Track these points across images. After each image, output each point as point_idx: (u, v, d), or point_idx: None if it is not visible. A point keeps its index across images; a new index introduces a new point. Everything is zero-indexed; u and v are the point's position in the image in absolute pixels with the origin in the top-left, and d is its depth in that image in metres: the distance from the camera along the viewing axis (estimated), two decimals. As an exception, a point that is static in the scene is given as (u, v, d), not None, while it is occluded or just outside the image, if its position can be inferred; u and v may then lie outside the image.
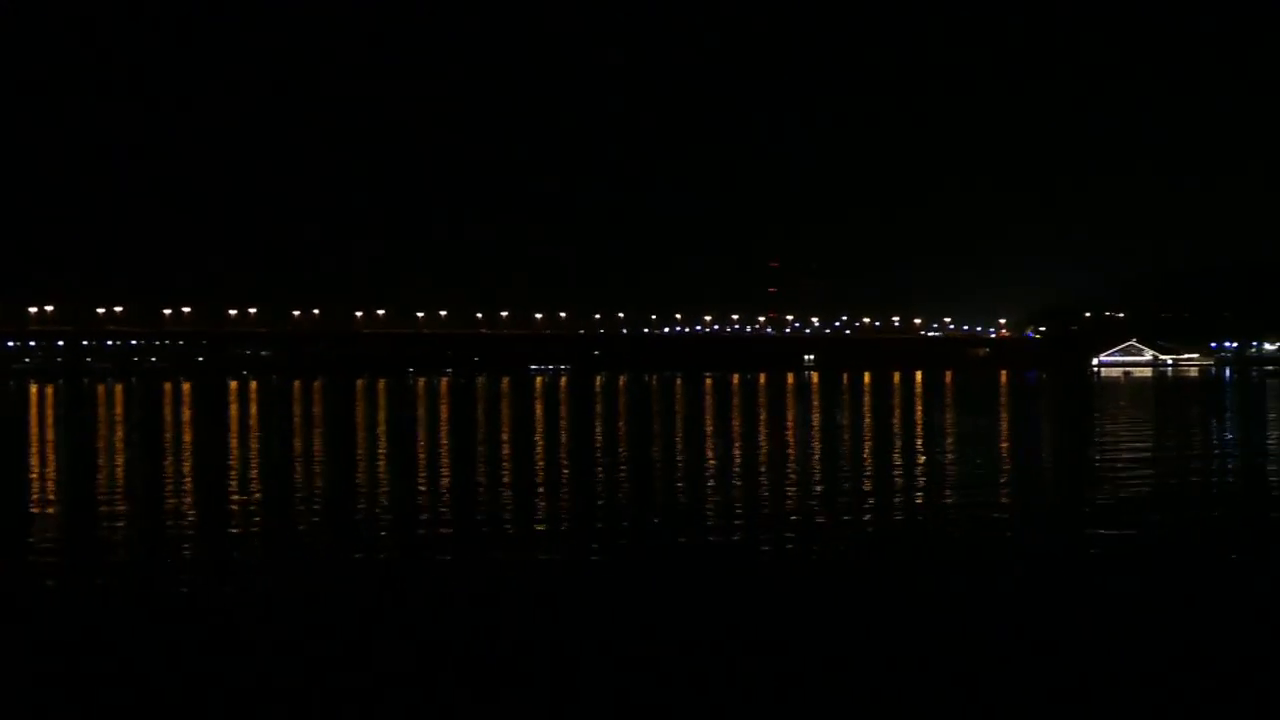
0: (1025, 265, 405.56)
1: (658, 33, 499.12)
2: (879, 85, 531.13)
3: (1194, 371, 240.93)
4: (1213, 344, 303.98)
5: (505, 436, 51.81)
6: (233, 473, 36.34)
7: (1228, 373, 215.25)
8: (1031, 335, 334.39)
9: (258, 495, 30.20)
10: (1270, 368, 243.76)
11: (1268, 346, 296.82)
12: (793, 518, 25.07)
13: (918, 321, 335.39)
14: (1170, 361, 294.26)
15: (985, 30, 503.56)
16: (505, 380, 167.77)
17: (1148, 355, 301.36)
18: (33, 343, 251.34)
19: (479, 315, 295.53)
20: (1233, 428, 57.38)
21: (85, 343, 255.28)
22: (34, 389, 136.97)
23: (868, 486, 31.04)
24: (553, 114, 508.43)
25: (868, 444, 45.86)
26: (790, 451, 42.08)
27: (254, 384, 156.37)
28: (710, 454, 41.64)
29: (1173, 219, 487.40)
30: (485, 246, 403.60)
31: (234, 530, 24.15)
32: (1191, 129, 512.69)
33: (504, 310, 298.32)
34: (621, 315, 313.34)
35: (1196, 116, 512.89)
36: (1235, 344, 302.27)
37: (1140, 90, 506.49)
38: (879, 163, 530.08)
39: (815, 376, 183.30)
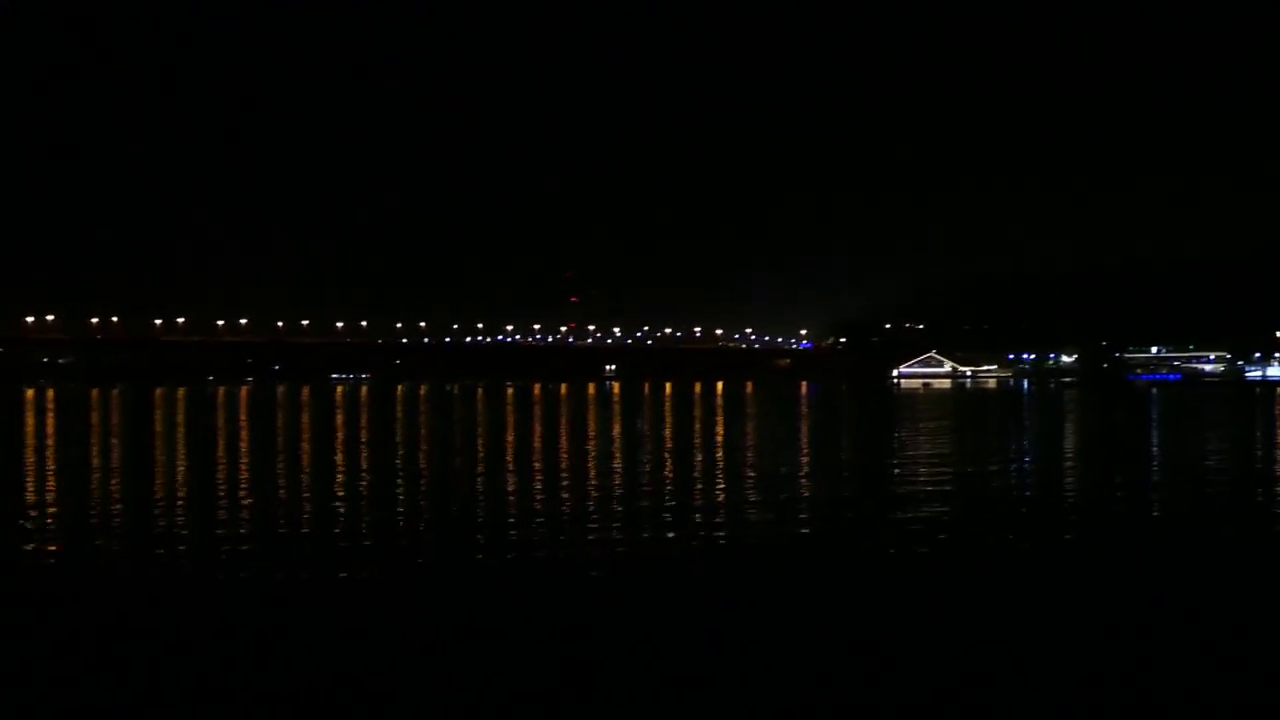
0: (828, 274, 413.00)
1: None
2: (647, 93, 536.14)
3: (992, 383, 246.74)
4: (1011, 355, 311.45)
5: (305, 446, 51.06)
6: (29, 485, 35.13)
7: (1025, 384, 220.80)
8: (807, 345, 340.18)
9: (52, 509, 29.23)
10: (1068, 379, 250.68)
11: (1065, 358, 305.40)
12: (589, 527, 25.13)
13: (719, 332, 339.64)
14: (969, 373, 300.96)
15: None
16: (306, 389, 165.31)
17: (947, 366, 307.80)
18: None
19: (280, 324, 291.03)
20: (1026, 438, 58.77)
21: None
22: None
23: (668, 498, 31.17)
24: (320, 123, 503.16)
25: (667, 452, 46.19)
26: (590, 460, 42.12)
27: (51, 392, 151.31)
28: (509, 463, 41.51)
29: (972, 231, 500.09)
30: (287, 255, 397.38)
31: (28, 547, 23.39)
32: (987, 142, 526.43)
33: (305, 319, 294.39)
34: (423, 325, 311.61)
35: (994, 128, 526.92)
36: (1033, 355, 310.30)
37: (924, 100, 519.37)
38: (680, 172, 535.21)
39: (617, 387, 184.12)
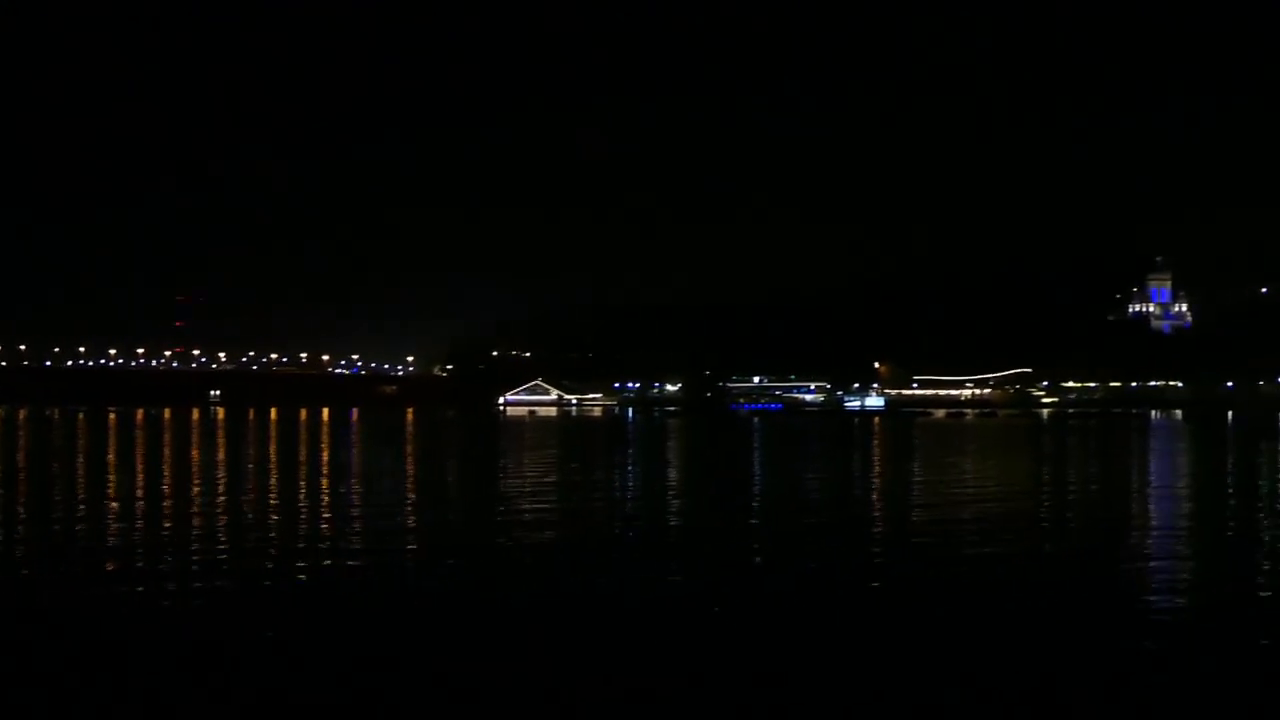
0: (435, 301, 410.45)
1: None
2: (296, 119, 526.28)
3: (598, 411, 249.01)
4: (616, 384, 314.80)
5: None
6: None
7: (630, 413, 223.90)
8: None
9: None
10: (672, 408, 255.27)
11: (669, 387, 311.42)
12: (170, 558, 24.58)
13: (326, 358, 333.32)
14: (575, 401, 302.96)
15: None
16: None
17: (553, 394, 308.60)
18: None
19: None
20: (627, 465, 59.40)
21: None
22: None
23: (273, 529, 30.69)
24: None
25: (272, 481, 45.26)
26: (195, 489, 40.85)
27: None
28: (110, 493, 39.85)
29: (577, 262, 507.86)
30: None
31: None
32: (595, 171, 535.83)
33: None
34: (24, 347, 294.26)
35: (610, 158, 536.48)
36: (637, 384, 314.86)
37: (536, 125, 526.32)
38: (292, 195, 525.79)
39: (221, 412, 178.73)
